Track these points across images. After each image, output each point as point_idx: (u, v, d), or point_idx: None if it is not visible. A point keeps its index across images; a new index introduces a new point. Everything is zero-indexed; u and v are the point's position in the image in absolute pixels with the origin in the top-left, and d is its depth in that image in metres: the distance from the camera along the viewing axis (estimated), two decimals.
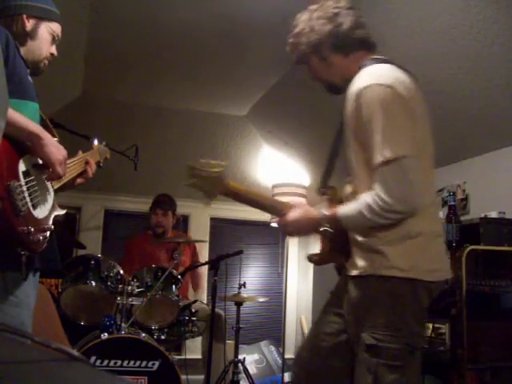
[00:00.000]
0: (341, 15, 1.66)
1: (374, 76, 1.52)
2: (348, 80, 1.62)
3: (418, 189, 1.47)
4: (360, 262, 1.56)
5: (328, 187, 1.78)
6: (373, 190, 1.47)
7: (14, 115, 1.46)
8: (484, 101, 2.93)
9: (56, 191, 1.70)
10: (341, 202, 1.71)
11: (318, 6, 1.69)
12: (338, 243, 1.66)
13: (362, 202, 1.50)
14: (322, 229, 1.59)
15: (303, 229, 1.66)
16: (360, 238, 1.57)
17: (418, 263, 1.50)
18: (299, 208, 1.65)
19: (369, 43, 1.69)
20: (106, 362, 2.63)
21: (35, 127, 1.54)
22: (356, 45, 1.67)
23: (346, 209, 1.56)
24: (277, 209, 1.69)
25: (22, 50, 1.69)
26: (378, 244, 1.52)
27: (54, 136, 1.75)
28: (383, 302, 1.51)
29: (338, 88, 1.71)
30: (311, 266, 4.65)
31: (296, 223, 1.63)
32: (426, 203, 1.53)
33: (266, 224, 4.57)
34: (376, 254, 1.52)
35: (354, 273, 1.58)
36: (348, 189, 1.70)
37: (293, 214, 1.63)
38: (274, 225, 4.19)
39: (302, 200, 1.78)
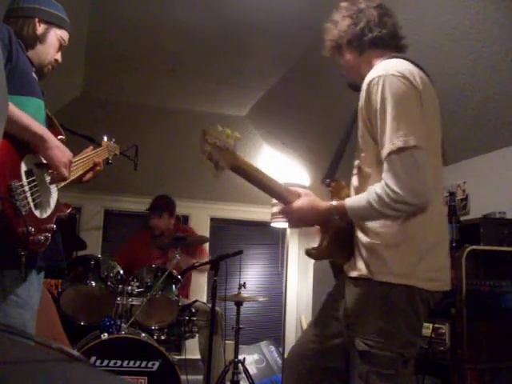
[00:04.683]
0: (362, 12, 1.62)
1: (387, 67, 1.49)
2: (364, 78, 1.58)
3: (430, 182, 1.40)
4: (359, 264, 1.52)
5: (332, 179, 1.71)
6: (382, 181, 1.41)
7: (18, 113, 1.44)
8: (484, 101, 2.93)
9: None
10: (344, 193, 1.66)
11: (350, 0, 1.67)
12: (338, 239, 1.59)
13: (371, 192, 1.44)
14: (335, 217, 1.51)
15: (308, 218, 1.58)
16: (363, 238, 1.53)
17: (415, 270, 1.45)
18: (306, 197, 1.58)
19: (387, 43, 1.63)
20: (106, 362, 2.62)
21: (39, 128, 1.52)
22: (370, 44, 1.63)
23: (354, 200, 1.51)
24: (283, 195, 1.59)
25: (30, 53, 1.70)
26: (379, 246, 1.47)
27: (60, 134, 1.73)
28: (377, 308, 1.46)
29: (355, 85, 1.65)
30: (311, 266, 4.64)
31: (302, 212, 1.55)
32: (436, 203, 1.48)
33: (266, 224, 4.57)
34: (375, 257, 1.48)
35: (353, 274, 1.54)
36: (355, 181, 1.63)
37: (299, 202, 1.56)
38: (275, 225, 4.18)
39: (309, 190, 1.66)
